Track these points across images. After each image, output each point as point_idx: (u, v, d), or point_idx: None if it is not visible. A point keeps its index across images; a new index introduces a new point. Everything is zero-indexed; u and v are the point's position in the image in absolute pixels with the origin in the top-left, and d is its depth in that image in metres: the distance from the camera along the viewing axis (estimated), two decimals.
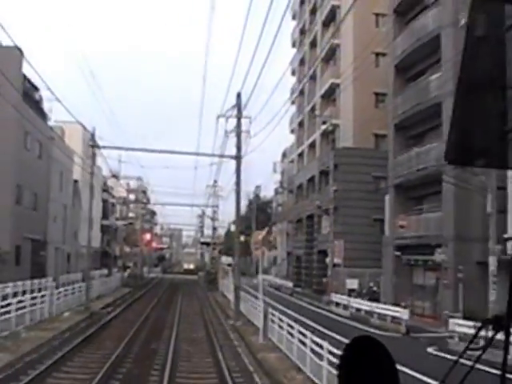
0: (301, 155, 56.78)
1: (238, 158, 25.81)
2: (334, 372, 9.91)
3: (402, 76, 31.69)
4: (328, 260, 41.91)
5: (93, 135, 30.45)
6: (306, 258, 49.74)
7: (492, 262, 20.04)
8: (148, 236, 70.21)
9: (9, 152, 31.74)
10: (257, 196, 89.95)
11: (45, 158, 39.49)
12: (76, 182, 50.30)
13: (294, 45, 62.63)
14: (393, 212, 31.32)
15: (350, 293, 35.43)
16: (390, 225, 31.52)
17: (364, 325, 24.93)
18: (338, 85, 44.97)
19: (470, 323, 18.55)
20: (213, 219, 56.15)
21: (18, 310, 18.99)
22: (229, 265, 57.19)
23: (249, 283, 43.78)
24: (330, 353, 11.57)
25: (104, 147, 32.60)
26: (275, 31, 13.53)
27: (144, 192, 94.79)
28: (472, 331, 16.89)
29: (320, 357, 12.28)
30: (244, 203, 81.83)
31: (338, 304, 32.52)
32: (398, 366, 1.61)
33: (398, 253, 30.08)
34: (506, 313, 1.54)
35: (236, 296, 26.24)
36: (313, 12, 53.49)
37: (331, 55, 47.53)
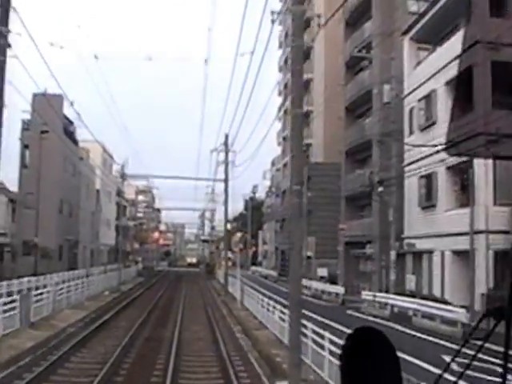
0: (285, 165, 66.48)
1: (225, 181, 35.67)
2: (277, 319, 18.70)
3: (351, 114, 41.43)
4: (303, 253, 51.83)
5: (123, 167, 40.15)
6: (288, 252, 59.48)
7: (392, 254, 29.86)
8: (156, 234, 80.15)
9: (54, 175, 41.57)
10: (251, 198, 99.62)
11: (76, 175, 49.35)
12: (98, 191, 60.19)
13: (280, 69, 72.24)
14: (343, 216, 41.13)
15: (321, 279, 45.08)
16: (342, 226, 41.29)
17: (316, 299, 34.63)
18: (311, 111, 54.72)
19: (383, 294, 28.20)
20: (211, 221, 66.00)
21: (76, 289, 28.74)
22: (228, 259, 66.62)
23: (243, 274, 53.13)
24: (281, 312, 21.14)
25: (131, 176, 42.47)
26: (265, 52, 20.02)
27: (150, 191, 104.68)
28: (395, 302, 25.84)
29: (273, 313, 21.52)
30: (241, 204, 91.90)
31: (305, 286, 42.29)
32: (325, 320, 7.79)
33: (341, 248, 39.97)
34: (507, 303, 1.53)
35: (225, 280, 36.08)
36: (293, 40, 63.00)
37: (306, 86, 57.15)
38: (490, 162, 22.96)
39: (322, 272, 47.00)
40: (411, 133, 29.75)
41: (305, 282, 43.99)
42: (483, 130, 22.39)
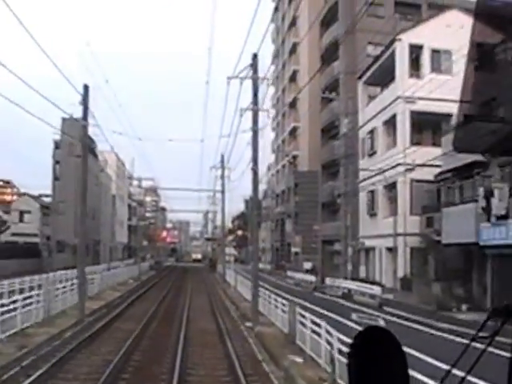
0: (278, 171, 76.04)
1: (222, 192, 45.12)
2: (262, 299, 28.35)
3: (325, 134, 50.80)
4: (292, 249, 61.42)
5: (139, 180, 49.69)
6: (281, 249, 69.08)
7: (350, 250, 39.21)
8: (164, 233, 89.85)
9: (80, 186, 51.06)
10: (251, 199, 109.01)
11: (98, 184, 58.91)
12: (114, 196, 69.85)
13: (272, 83, 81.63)
14: (320, 219, 50.54)
15: (307, 272, 54.47)
16: (319, 227, 50.75)
17: (297, 287, 43.98)
18: (298, 127, 64.15)
19: (340, 280, 37.49)
20: (212, 221, 75.62)
21: (108, 277, 38.15)
22: (230, 254, 76.29)
23: (244, 268, 62.38)
24: (265, 295, 30.57)
25: (138, 178, 51.97)
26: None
27: (155, 191, 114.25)
28: (345, 285, 35.20)
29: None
30: (243, 204, 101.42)
31: (291, 277, 51.68)
32: (295, 298, 14.83)
33: (318, 245, 49.39)
34: None
35: (223, 272, 45.58)
36: (283, 67, 72.56)
37: (294, 104, 66.59)
38: (409, 183, 32.38)
39: (308, 265, 56.41)
40: (363, 157, 39.12)
41: (289, 273, 53.52)
42: (402, 161, 32.17)
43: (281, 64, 73.25)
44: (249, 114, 21.56)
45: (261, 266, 76.34)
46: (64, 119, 48.13)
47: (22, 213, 60.97)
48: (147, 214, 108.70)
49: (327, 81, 49.52)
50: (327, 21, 51.21)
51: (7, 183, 74.73)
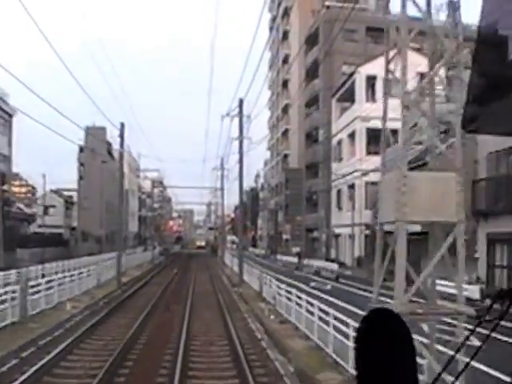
0: (273, 167, 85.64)
1: (222, 189, 54.79)
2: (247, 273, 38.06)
3: (309, 139, 60.25)
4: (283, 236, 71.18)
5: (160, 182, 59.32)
6: (274, 236, 78.85)
7: (323, 236, 48.88)
8: (171, 223, 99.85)
9: (100, 184, 60.81)
10: (251, 189, 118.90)
11: (115, 181, 68.52)
12: (127, 191, 79.49)
13: (269, 87, 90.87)
14: (304, 211, 60.20)
15: (296, 255, 64.20)
16: (302, 218, 60.49)
17: (283, 267, 53.66)
18: (289, 129, 73.57)
19: (315, 260, 47.19)
20: (215, 212, 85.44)
21: (128, 260, 47.83)
22: (232, 242, 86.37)
23: (242, 253, 72.11)
24: (254, 272, 40.28)
25: (145, 170, 61.66)
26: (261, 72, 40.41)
27: (161, 182, 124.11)
28: (317, 264, 45.07)
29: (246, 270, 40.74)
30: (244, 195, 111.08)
31: (280, 260, 61.46)
32: (277, 275, 24.27)
33: (302, 233, 59.09)
34: None
35: (222, 255, 55.32)
36: (277, 74, 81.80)
37: (286, 109, 75.99)
38: (364, 185, 41.86)
39: (296, 249, 66.12)
40: (335, 161, 48.63)
41: (279, 257, 63.30)
42: (359, 167, 41.59)
43: (275, 71, 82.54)
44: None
45: (257, 251, 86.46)
46: (87, 127, 57.89)
47: (46, 207, 70.78)
48: (154, 205, 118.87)
49: (310, 94, 58.91)
50: (312, 40, 60.49)
51: (16, 175, 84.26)
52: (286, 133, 76.11)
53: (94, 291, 26.64)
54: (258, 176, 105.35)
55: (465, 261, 22.48)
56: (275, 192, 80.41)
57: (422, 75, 35.79)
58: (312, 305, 14.83)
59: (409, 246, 21.69)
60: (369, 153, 42.10)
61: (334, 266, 38.77)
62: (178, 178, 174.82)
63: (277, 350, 14.22)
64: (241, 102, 30.19)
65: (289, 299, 18.50)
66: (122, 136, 32.24)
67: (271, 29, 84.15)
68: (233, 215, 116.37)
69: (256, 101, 63.97)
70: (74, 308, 19.88)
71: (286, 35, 75.70)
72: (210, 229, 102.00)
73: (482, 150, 24.24)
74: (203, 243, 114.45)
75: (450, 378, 1.88)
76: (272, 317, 19.31)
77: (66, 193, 77.20)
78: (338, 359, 11.75)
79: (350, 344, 10.61)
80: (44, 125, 23.18)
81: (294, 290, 18.32)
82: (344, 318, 12.23)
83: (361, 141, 42.42)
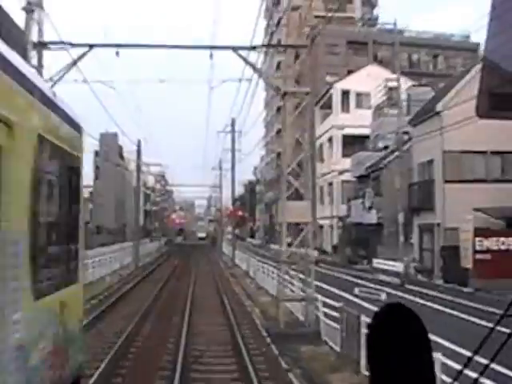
0: (267, 163, 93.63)
1: (220, 187, 62.80)
2: (240, 258, 46.12)
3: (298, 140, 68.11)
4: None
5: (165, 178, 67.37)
6: (269, 227, 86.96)
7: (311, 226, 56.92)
8: (174, 216, 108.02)
9: (114, 184, 68.84)
10: (250, 182, 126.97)
11: (124, 180, 76.69)
12: (134, 188, 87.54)
13: (265, 89, 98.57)
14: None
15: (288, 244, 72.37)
16: None
17: (273, 255, 61.69)
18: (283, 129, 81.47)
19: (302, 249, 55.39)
20: (215, 206, 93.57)
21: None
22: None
23: (241, 244, 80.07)
24: (245, 258, 48.37)
25: (147, 161, 69.71)
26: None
27: (163, 176, 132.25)
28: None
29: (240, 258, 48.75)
30: (242, 188, 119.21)
31: (272, 249, 69.54)
32: (267, 261, 32.19)
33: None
34: None
35: (220, 245, 63.50)
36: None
37: (279, 109, 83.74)
38: (340, 183, 49.82)
39: (288, 240, 74.30)
40: (318, 162, 56.52)
41: (272, 246, 71.31)
42: (336, 167, 49.47)
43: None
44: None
45: (255, 241, 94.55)
46: (101, 134, 65.92)
47: None
48: (158, 199, 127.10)
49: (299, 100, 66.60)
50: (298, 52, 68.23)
51: None
52: (279, 132, 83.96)
53: (119, 271, 34.74)
54: (256, 169, 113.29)
55: (405, 245, 31.72)
56: (270, 186, 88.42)
57: (390, 89, 43.64)
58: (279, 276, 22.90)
59: (367, 233, 31.73)
60: (344, 155, 50.07)
61: (313, 253, 46.80)
62: (179, 166, 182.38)
63: (249, 300, 22.38)
64: (233, 121, 38.06)
65: (266, 274, 26.57)
66: (139, 152, 40.12)
67: (267, 34, 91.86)
68: (231, 208, 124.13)
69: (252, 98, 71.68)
70: (112, 281, 28.04)
71: (279, 42, 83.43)
72: (211, 221, 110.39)
73: (416, 160, 32.20)
74: (204, 234, 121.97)
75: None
76: (252, 286, 27.42)
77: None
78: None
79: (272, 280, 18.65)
80: None
81: (270, 268, 26.36)
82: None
83: (337, 145, 50.37)
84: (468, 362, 1.73)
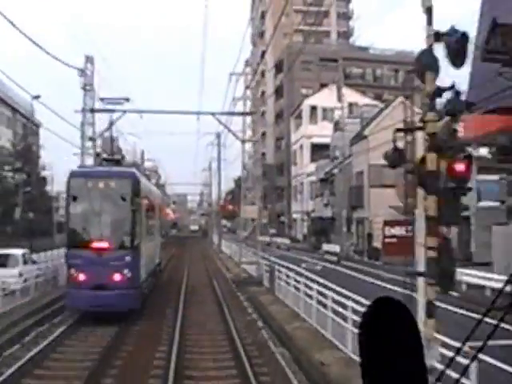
0: (254, 162, 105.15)
1: (210, 185, 74.20)
2: (228, 247, 57.41)
3: (278, 143, 79.45)
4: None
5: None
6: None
7: (286, 220, 68.27)
8: (168, 210, 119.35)
9: None
10: (239, 178, 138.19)
11: None
12: None
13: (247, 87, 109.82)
14: (275, 200, 79.66)
15: (272, 235, 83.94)
16: (272, 205, 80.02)
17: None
18: (266, 131, 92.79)
19: (281, 239, 66.88)
20: (206, 201, 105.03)
21: None
22: (224, 226, 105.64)
23: (231, 237, 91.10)
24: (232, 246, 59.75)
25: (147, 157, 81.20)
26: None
27: (156, 171, 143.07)
28: (279, 241, 64.53)
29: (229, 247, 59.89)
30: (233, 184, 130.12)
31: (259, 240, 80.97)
32: (253, 249, 42.35)
33: (272, 217, 78.87)
34: None
35: (210, 236, 74.92)
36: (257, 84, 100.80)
37: (263, 114, 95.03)
38: (308, 183, 61.30)
39: (272, 231, 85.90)
40: (293, 165, 67.94)
41: (260, 238, 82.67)
42: (305, 170, 61.09)
43: (255, 82, 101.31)
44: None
45: (244, 233, 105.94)
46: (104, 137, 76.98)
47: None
48: None
49: (278, 109, 78.03)
50: (279, 66, 79.45)
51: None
52: (263, 135, 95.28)
53: None
54: (245, 166, 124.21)
55: (347, 234, 45.20)
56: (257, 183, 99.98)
57: (350, 104, 55.02)
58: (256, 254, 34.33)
59: (326, 224, 45.24)
60: (312, 160, 61.50)
61: (286, 241, 58.39)
62: (171, 159, 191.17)
63: (227, 272, 33.90)
64: (218, 135, 49.33)
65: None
66: (142, 160, 51.18)
67: (253, 43, 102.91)
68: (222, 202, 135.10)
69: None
70: None
71: (263, 54, 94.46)
72: (202, 215, 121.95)
73: (354, 170, 43.66)
74: (196, 227, 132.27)
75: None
76: (233, 264, 38.90)
77: None
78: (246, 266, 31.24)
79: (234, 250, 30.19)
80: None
81: (249, 253, 37.76)
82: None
83: (307, 152, 61.80)
84: (458, 351, 2.00)
